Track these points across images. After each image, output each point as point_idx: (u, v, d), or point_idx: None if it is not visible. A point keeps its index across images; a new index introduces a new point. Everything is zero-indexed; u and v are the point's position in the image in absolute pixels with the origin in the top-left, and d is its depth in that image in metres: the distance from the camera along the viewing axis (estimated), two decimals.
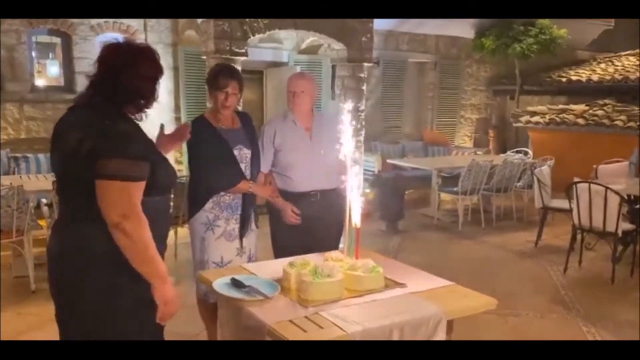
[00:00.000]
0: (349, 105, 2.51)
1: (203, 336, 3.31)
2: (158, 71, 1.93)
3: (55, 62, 7.96)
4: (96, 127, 1.79)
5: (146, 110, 1.93)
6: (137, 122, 1.93)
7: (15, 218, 4.11)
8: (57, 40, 7.25)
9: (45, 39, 7.60)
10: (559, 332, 3.79)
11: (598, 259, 5.39)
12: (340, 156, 2.46)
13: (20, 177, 5.40)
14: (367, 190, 7.47)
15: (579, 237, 5.16)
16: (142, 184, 1.81)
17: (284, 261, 2.34)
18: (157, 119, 7.64)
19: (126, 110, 1.89)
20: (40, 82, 7.35)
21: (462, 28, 9.23)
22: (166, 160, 2.00)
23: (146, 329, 1.97)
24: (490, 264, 5.32)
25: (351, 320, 1.86)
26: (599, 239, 5.34)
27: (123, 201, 1.75)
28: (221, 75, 2.83)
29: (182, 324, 3.64)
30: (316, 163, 3.09)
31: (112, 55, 1.90)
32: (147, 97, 1.91)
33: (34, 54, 7.14)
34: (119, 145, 1.77)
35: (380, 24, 8.27)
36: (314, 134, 3.14)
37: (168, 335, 3.47)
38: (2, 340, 3.33)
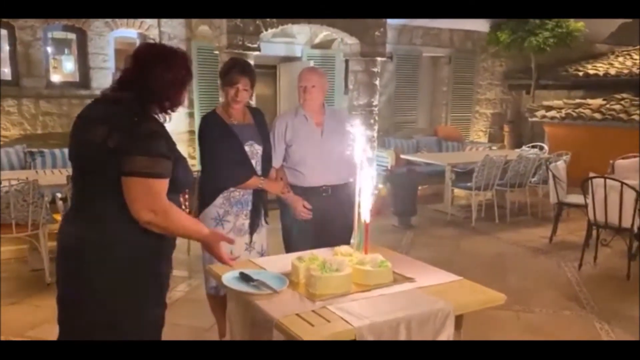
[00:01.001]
0: (361, 100, 2.50)
1: (214, 330, 3.34)
2: (188, 77, 1.97)
3: (70, 58, 8.04)
4: (124, 123, 1.82)
5: (170, 112, 1.96)
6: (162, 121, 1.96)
7: (30, 212, 4.17)
8: (72, 36, 7.32)
9: (60, 35, 7.69)
10: (572, 329, 3.75)
11: (614, 255, 5.32)
12: (351, 152, 2.45)
13: (37, 171, 5.47)
14: (380, 186, 7.46)
15: (594, 233, 5.10)
16: (166, 181, 1.86)
17: (292, 256, 2.35)
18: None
19: (151, 109, 1.92)
20: (56, 77, 7.43)
21: (477, 22, 9.14)
22: (185, 160, 2.03)
23: (147, 327, 2.00)
24: (503, 260, 5.28)
25: (358, 314, 1.86)
26: (614, 235, 5.27)
27: (151, 198, 1.80)
28: (233, 71, 2.83)
29: (193, 318, 3.69)
30: (327, 158, 3.08)
31: (147, 55, 1.93)
32: (174, 100, 1.94)
33: (50, 50, 7.22)
34: (147, 143, 1.81)
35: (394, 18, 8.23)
36: (325, 129, 3.13)
37: (180, 329, 3.55)
38: (12, 335, 3.43)
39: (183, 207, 2.06)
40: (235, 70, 2.82)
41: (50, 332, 2.17)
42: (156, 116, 1.93)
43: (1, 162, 6.02)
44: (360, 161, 2.37)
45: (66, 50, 8.55)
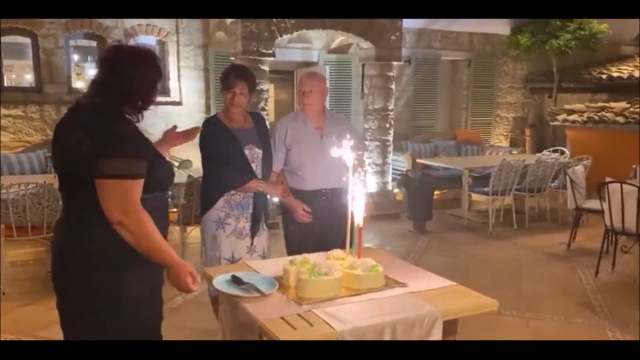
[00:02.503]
0: (376, 104, 2.49)
1: (219, 332, 3.36)
2: (157, 75, 1.98)
3: (93, 65, 8.26)
4: (95, 128, 1.84)
5: (143, 111, 1.98)
6: (135, 122, 1.98)
7: (45, 215, 4.28)
8: (94, 43, 7.51)
9: (84, 42, 7.90)
10: (581, 336, 3.66)
11: (634, 262, 5.19)
12: (343, 156, 2.45)
13: (55, 176, 5.61)
14: (396, 190, 7.42)
15: (612, 239, 4.98)
16: (140, 182, 1.87)
17: (286, 259, 2.36)
18: (188, 119, 7.83)
19: (124, 111, 1.94)
20: (79, 84, 7.64)
21: (497, 25, 9.03)
22: (164, 158, 2.05)
23: (146, 324, 2.02)
24: (518, 266, 5.18)
25: (342, 318, 1.85)
26: (635, 242, 5.14)
27: (123, 199, 1.81)
28: (231, 76, 2.87)
29: (198, 320, 3.72)
30: (327, 162, 3.07)
31: (113, 56, 1.94)
32: (145, 99, 1.96)
33: (75, 57, 7.42)
34: (117, 144, 1.82)
35: (412, 22, 8.19)
36: (325, 133, 3.14)
37: (185, 331, 3.59)
38: (23, 335, 3.52)
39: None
40: (233, 75, 2.86)
41: (61, 333, 2.21)
42: (129, 117, 1.94)
43: (23, 167, 6.21)
44: (352, 165, 2.37)
45: (90, 58, 8.80)
